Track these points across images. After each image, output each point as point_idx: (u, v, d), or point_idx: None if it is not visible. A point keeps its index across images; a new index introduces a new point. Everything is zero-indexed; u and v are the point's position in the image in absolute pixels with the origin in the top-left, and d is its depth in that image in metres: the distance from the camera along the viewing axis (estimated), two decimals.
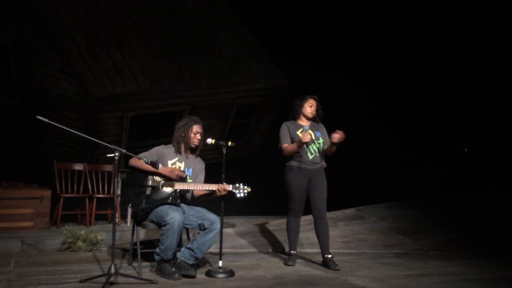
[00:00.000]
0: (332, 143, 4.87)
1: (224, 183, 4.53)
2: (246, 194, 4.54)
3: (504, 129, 9.18)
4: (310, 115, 5.09)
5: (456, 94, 9.94)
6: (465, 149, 10.13)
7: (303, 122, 5.13)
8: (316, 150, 5.04)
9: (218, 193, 4.52)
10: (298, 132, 5.03)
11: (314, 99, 5.13)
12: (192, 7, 9.95)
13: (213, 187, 4.56)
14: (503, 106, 9.26)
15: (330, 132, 5.15)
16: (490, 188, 8.34)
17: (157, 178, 4.55)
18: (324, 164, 5.10)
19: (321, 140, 5.06)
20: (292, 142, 5.02)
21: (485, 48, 9.26)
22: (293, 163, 5.02)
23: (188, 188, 4.61)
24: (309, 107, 5.09)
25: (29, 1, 8.19)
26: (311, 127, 5.09)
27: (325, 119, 5.25)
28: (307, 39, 10.84)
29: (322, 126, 5.20)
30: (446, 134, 10.13)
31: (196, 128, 4.75)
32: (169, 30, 9.37)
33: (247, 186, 4.56)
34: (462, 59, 9.53)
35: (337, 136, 4.80)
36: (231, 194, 4.54)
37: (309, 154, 5.01)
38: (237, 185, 4.55)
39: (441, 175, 9.96)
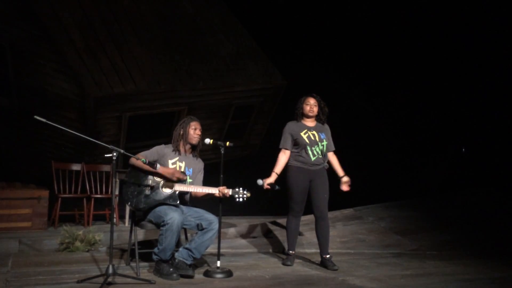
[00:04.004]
0: (340, 178, 5.13)
1: (225, 187, 4.53)
2: (245, 199, 4.54)
3: (502, 129, 9.19)
4: (309, 114, 5.07)
5: (454, 94, 9.95)
6: (463, 149, 10.14)
7: (307, 122, 5.11)
8: (319, 152, 5.02)
9: (219, 195, 4.53)
10: (302, 133, 5.02)
11: (313, 97, 5.10)
12: (190, 8, 9.96)
13: (212, 190, 4.56)
14: (501, 106, 9.27)
15: (332, 132, 5.19)
16: (488, 188, 8.34)
17: (157, 178, 4.54)
18: (326, 165, 5.10)
19: (325, 142, 5.05)
20: (296, 143, 5.01)
21: (482, 48, 9.27)
22: (295, 163, 5.02)
23: (187, 190, 4.61)
24: (307, 106, 5.08)
25: (27, 1, 8.18)
26: (315, 128, 5.08)
27: (327, 118, 5.23)
28: (306, 39, 10.84)
29: (327, 128, 5.17)
30: (444, 134, 10.14)
31: (194, 124, 4.74)
32: (167, 31, 9.37)
33: (247, 191, 4.55)
34: (460, 59, 9.54)
35: (345, 189, 5.13)
36: (230, 198, 4.54)
37: (311, 155, 4.99)
38: (237, 189, 4.54)
39: (439, 176, 9.97)
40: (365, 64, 10.39)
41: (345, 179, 5.12)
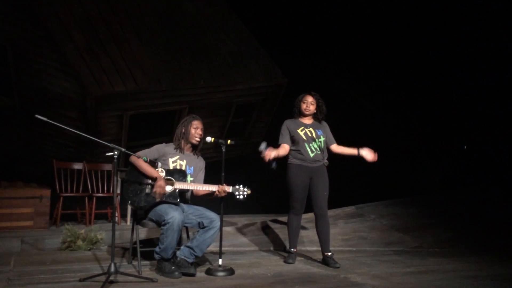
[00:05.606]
0: (358, 154, 5.02)
1: (224, 185, 4.53)
2: (245, 196, 4.54)
3: (503, 126, 9.18)
4: (305, 112, 5.07)
5: (455, 91, 9.94)
6: (464, 147, 10.14)
7: (304, 120, 5.11)
8: (318, 148, 5.03)
9: (218, 194, 4.53)
10: (299, 130, 5.02)
11: (311, 95, 5.10)
12: (190, 6, 9.95)
13: (213, 188, 4.56)
14: (502, 103, 9.26)
15: (333, 131, 5.18)
16: (489, 185, 8.33)
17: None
18: (326, 161, 5.10)
19: (322, 138, 5.05)
20: (293, 140, 5.02)
21: (483, 46, 9.26)
22: (295, 161, 5.02)
23: (188, 188, 4.60)
24: (303, 104, 5.08)
25: (28, 1, 8.18)
26: (312, 125, 5.08)
27: (325, 117, 5.22)
28: (307, 37, 10.84)
29: (324, 125, 5.17)
30: (445, 132, 10.13)
31: (196, 123, 4.74)
32: (168, 29, 9.37)
33: (247, 188, 4.55)
34: (461, 57, 9.53)
35: (372, 158, 5.01)
36: (230, 195, 4.54)
37: (310, 152, 5.00)
38: (237, 186, 4.54)
39: (440, 173, 9.97)
40: (366, 62, 10.39)
41: (363, 152, 5.04)
